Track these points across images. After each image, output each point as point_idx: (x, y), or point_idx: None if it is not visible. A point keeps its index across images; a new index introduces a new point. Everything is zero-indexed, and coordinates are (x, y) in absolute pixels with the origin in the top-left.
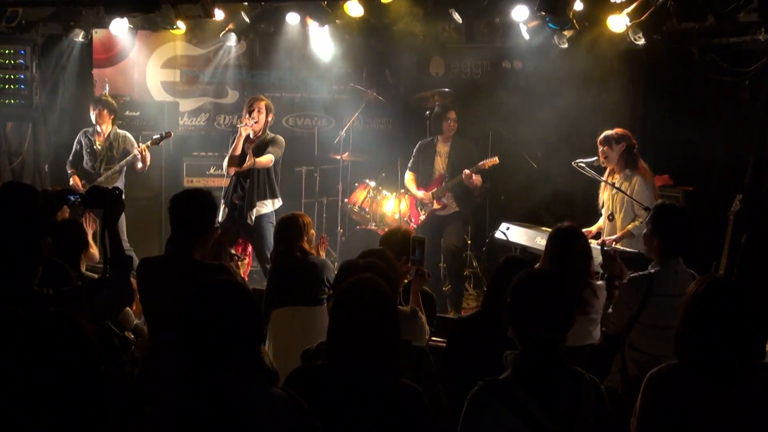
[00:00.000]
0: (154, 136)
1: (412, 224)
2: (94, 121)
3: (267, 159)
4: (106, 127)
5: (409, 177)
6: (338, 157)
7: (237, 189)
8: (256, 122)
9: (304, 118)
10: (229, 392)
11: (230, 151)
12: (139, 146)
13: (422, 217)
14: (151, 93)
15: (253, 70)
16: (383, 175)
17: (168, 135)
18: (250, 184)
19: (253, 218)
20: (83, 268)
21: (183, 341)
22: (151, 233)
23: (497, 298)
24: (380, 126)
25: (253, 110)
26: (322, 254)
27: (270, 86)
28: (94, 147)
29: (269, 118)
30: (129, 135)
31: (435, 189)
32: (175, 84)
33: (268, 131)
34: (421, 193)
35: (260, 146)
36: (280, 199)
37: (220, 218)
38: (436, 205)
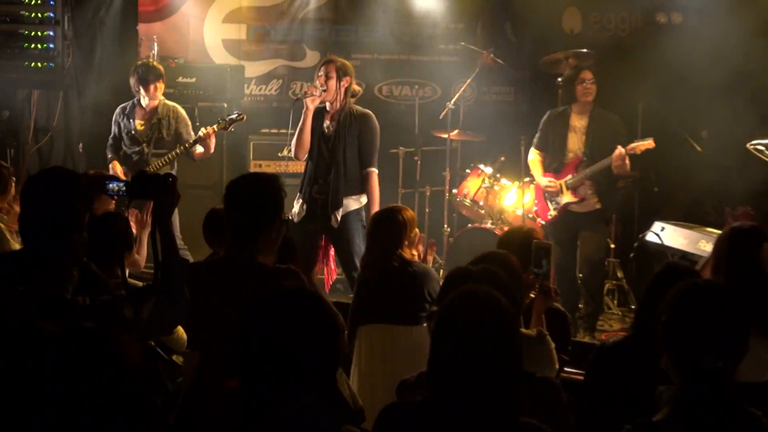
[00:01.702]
0: (226, 117)
1: (538, 221)
2: (136, 93)
3: None
4: (151, 101)
5: (534, 157)
6: (445, 136)
7: (317, 179)
8: (324, 90)
9: (402, 87)
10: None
11: (297, 132)
12: (205, 129)
13: (552, 213)
14: (210, 54)
15: (337, 25)
16: (502, 159)
17: (240, 118)
18: (335, 174)
19: (339, 218)
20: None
21: (238, 363)
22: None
23: (652, 317)
24: (499, 97)
25: (320, 75)
26: (430, 260)
27: (358, 46)
28: (134, 129)
29: (345, 85)
30: (180, 108)
31: (569, 176)
32: (241, 43)
33: (353, 105)
34: (545, 180)
35: (344, 126)
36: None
37: (296, 215)
38: (569, 198)
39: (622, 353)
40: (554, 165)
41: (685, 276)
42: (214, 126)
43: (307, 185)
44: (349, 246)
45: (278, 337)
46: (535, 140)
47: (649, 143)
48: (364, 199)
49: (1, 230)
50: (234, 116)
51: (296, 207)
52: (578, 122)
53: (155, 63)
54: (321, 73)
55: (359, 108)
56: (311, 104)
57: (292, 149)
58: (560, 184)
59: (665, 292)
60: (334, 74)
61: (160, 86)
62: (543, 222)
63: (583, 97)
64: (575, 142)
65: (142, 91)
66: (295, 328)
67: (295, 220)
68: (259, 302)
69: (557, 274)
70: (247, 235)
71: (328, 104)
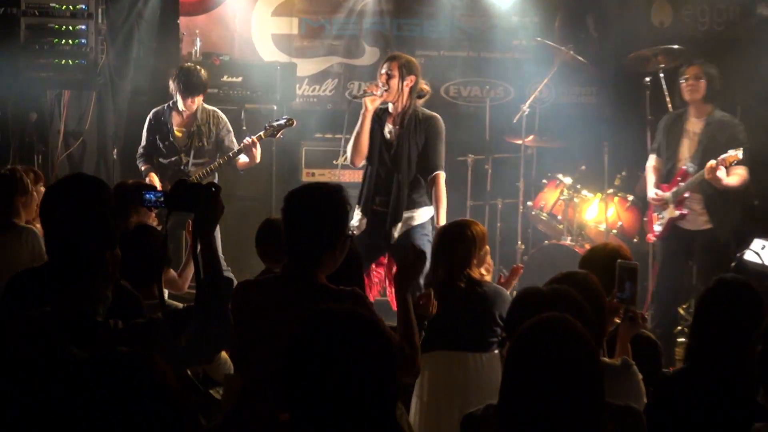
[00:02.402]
0: (273, 123)
1: (649, 236)
2: (174, 97)
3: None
4: (193, 106)
5: (651, 163)
6: (519, 142)
7: (378, 190)
8: (386, 89)
9: (470, 87)
10: None
11: (354, 135)
12: (249, 138)
13: (657, 228)
14: (259, 51)
15: (399, 19)
16: (583, 167)
17: (289, 124)
18: (397, 184)
19: (396, 234)
20: (165, 294)
21: (286, 394)
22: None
23: (708, 342)
24: (579, 98)
25: (383, 73)
26: (512, 285)
27: (423, 42)
28: (172, 136)
29: (409, 84)
30: (220, 113)
31: (674, 188)
32: (292, 38)
33: (419, 107)
34: (651, 192)
35: (408, 130)
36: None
37: (354, 229)
38: (672, 212)
39: (681, 385)
40: (665, 174)
41: (740, 290)
42: (260, 133)
43: (366, 196)
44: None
45: (330, 366)
46: (654, 144)
47: (734, 156)
48: (429, 212)
49: (38, 236)
50: (282, 122)
51: (355, 220)
52: (693, 126)
53: (201, 70)
54: (383, 70)
55: (425, 110)
56: (371, 105)
57: (348, 155)
58: (666, 197)
59: (720, 312)
60: (397, 72)
61: (199, 100)
62: (653, 238)
63: (689, 95)
64: (687, 149)
65: (179, 99)
66: (349, 357)
67: (356, 230)
68: (308, 326)
69: (656, 297)
70: (309, 252)
71: (390, 105)
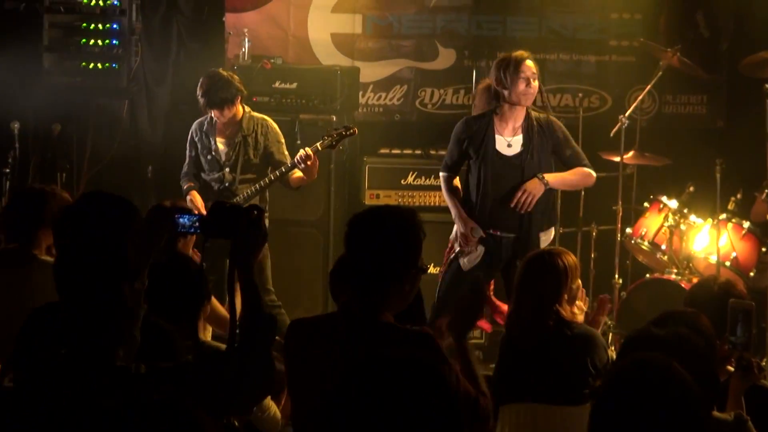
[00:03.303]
0: (332, 132)
1: None
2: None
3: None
4: (235, 116)
5: None
6: (617, 160)
7: (497, 211)
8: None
9: (561, 95)
10: None
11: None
12: (304, 150)
13: None
14: (316, 53)
15: (478, 16)
16: (691, 189)
17: (351, 132)
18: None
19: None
20: (206, 335)
21: None
22: (313, 279)
23: None
24: (687, 108)
25: (528, 75)
26: (600, 323)
27: (506, 42)
28: (214, 149)
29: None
30: (270, 122)
31: None
32: (355, 38)
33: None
34: None
35: (530, 136)
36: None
37: (468, 262)
38: None
39: None
40: None
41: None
42: (318, 144)
43: (480, 220)
44: None
45: (384, 421)
46: None
47: None
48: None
49: None
50: (342, 130)
51: (468, 255)
52: None
53: (231, 77)
54: (527, 74)
55: (537, 112)
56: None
57: None
58: None
59: None
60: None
61: (228, 112)
62: None
63: None
64: None
65: (212, 114)
66: (402, 412)
67: (466, 267)
68: (355, 375)
69: None
70: (375, 286)
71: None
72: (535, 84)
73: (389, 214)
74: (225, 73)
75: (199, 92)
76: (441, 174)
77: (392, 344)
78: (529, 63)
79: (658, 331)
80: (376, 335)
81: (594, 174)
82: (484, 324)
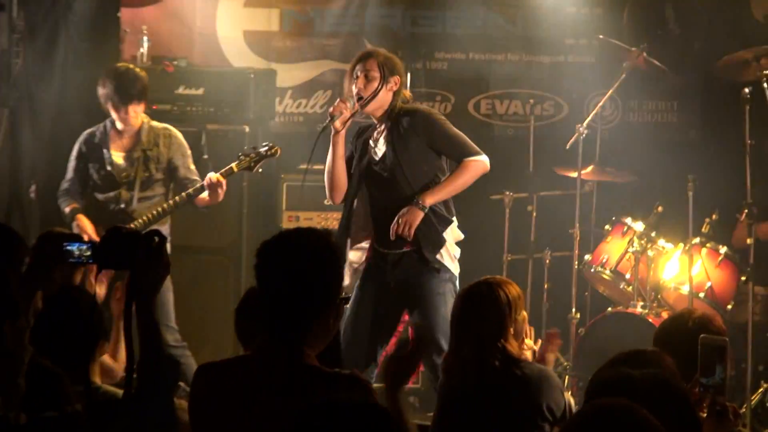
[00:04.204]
0: (250, 151)
1: None
2: (109, 111)
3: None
4: (132, 120)
5: None
6: (574, 176)
7: (378, 224)
8: (360, 99)
9: (509, 101)
10: None
11: (326, 168)
12: (211, 175)
13: None
14: (226, 53)
15: (414, 11)
16: (659, 209)
17: (272, 152)
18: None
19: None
20: (97, 378)
21: None
22: (223, 315)
23: None
24: (655, 116)
25: (358, 77)
26: (549, 361)
27: (446, 41)
28: (110, 163)
29: (393, 87)
30: (174, 132)
31: None
32: (271, 36)
33: (401, 104)
34: None
35: (398, 133)
36: (455, 232)
37: (347, 286)
38: None
39: None
40: None
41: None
42: (232, 166)
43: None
44: (431, 325)
45: None
46: None
47: None
48: (451, 239)
49: None
50: (263, 150)
51: (347, 275)
52: None
53: (139, 70)
54: (358, 72)
55: (408, 105)
56: (341, 125)
57: (327, 192)
58: None
59: None
60: (377, 73)
61: (139, 111)
62: None
63: None
64: None
65: (112, 111)
66: None
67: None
68: (309, 426)
69: None
70: (293, 323)
71: (373, 118)
72: (373, 87)
73: (304, 238)
74: (133, 67)
75: (104, 90)
76: None
77: (322, 390)
78: (359, 65)
79: (632, 372)
80: (302, 381)
81: (483, 159)
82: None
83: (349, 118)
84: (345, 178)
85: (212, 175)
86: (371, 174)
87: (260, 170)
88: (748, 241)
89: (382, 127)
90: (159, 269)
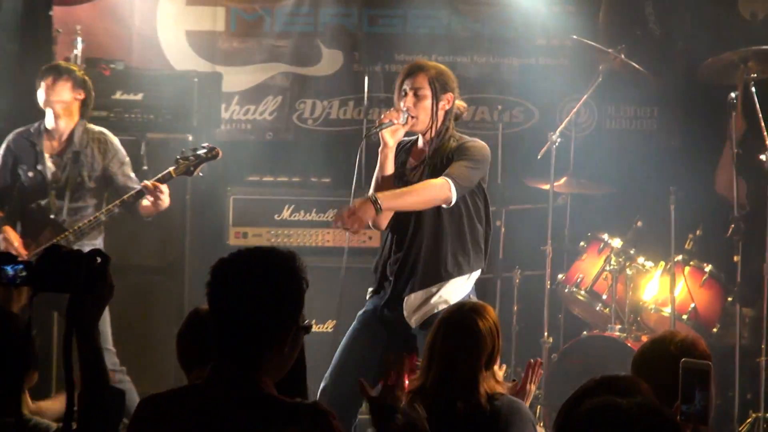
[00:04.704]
0: (188, 154)
1: None
2: (46, 109)
3: (442, 185)
4: (67, 123)
5: None
6: (546, 188)
7: (398, 255)
8: (413, 116)
9: (475, 107)
10: None
11: (374, 182)
12: (151, 184)
13: None
14: (168, 55)
15: (372, 9)
16: (638, 224)
17: (213, 154)
18: (427, 244)
19: (415, 319)
20: (25, 408)
21: None
22: (165, 339)
23: None
24: (635, 123)
25: (407, 94)
26: (531, 392)
27: (406, 42)
28: (42, 164)
29: (445, 106)
30: (110, 136)
31: None
32: (217, 37)
33: (451, 130)
34: None
35: (437, 162)
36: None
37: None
38: None
39: None
40: None
41: None
42: (170, 170)
43: (382, 266)
44: None
45: None
46: None
47: None
48: (464, 287)
49: None
50: (202, 152)
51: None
52: None
53: (74, 67)
54: (406, 87)
55: (463, 136)
56: (391, 139)
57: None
58: None
59: None
60: (428, 91)
61: (65, 85)
62: None
63: None
64: None
65: (40, 93)
66: None
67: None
68: None
69: None
70: (248, 349)
71: (419, 137)
72: (424, 105)
73: (263, 259)
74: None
75: (39, 80)
76: None
77: (280, 422)
78: (408, 81)
79: (620, 401)
80: (258, 412)
81: (447, 185)
82: None
83: (401, 133)
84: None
85: (148, 183)
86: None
87: (201, 174)
88: (735, 259)
89: (425, 144)
90: (102, 292)
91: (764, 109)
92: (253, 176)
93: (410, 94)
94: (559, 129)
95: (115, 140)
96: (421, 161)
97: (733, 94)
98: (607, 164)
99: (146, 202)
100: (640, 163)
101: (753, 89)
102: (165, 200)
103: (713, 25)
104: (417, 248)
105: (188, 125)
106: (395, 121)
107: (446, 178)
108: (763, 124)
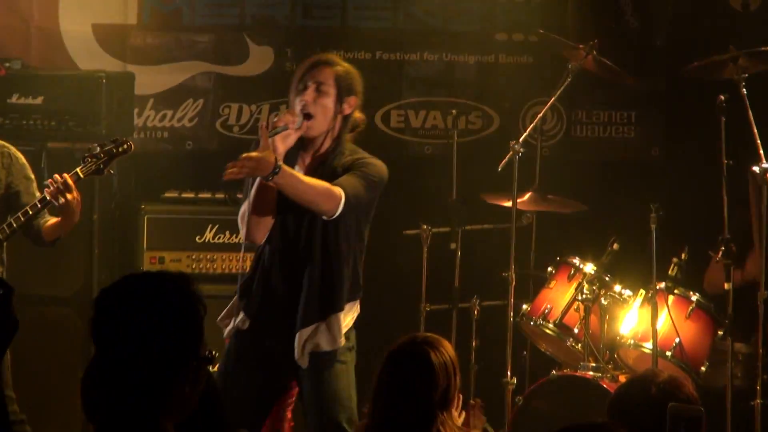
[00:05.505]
0: (96, 150)
1: None
2: None
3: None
4: None
5: None
6: (507, 204)
7: (279, 276)
8: (307, 119)
9: (425, 111)
10: None
11: (253, 196)
12: (55, 178)
13: None
14: (72, 53)
15: (305, 0)
16: (615, 246)
17: (125, 148)
18: (309, 273)
19: (307, 352)
20: None
21: None
22: (68, 380)
23: None
24: (610, 130)
25: (308, 88)
26: None
27: (344, 37)
28: None
29: (348, 109)
30: (11, 149)
31: None
32: (128, 31)
33: (347, 142)
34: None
35: (328, 173)
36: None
37: (230, 348)
38: None
39: None
40: None
41: None
42: (78, 170)
43: (257, 288)
44: (327, 398)
45: None
46: None
47: None
48: (355, 313)
49: None
50: (111, 146)
51: (229, 327)
52: None
53: None
54: (310, 82)
55: (359, 150)
56: (282, 146)
57: (243, 228)
58: None
59: None
60: (333, 89)
61: None
62: None
63: None
64: None
65: None
66: None
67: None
68: None
69: None
70: (142, 390)
71: (307, 141)
72: (324, 104)
73: (151, 284)
74: None
75: None
76: None
77: None
78: (311, 73)
79: None
80: None
81: (338, 194)
82: None
83: (293, 138)
84: (273, 214)
85: (56, 177)
86: (285, 217)
87: (112, 171)
88: (726, 286)
89: (312, 151)
90: (6, 329)
91: (757, 109)
92: (170, 192)
93: (311, 88)
94: (522, 137)
95: (20, 155)
96: (310, 172)
97: (722, 97)
98: (577, 178)
99: (52, 221)
100: (616, 175)
101: (744, 90)
102: (76, 213)
103: (698, 17)
104: (310, 272)
105: (96, 133)
106: (288, 126)
107: (340, 189)
108: (756, 130)
